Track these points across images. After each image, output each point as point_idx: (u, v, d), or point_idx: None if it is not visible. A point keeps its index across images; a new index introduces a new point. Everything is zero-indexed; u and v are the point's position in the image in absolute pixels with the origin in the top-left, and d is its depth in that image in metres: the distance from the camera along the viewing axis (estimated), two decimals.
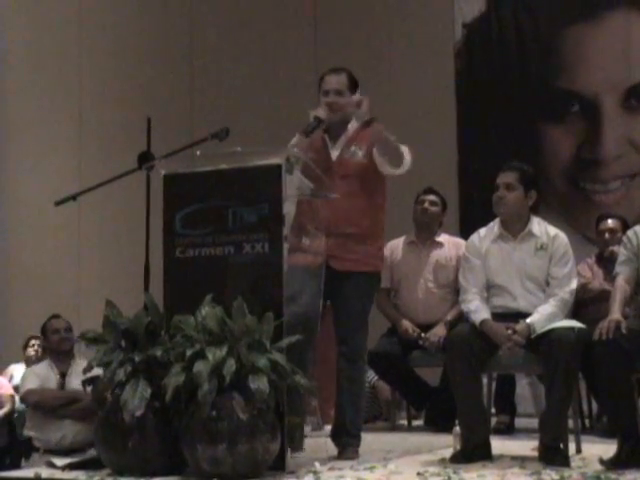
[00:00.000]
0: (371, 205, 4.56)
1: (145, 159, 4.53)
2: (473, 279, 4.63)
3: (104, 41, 6.91)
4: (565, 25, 7.15)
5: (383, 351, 5.79)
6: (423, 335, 5.74)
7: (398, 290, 6.01)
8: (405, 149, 4.54)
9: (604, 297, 5.60)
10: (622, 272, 4.40)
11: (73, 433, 4.98)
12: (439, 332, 5.69)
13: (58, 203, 4.66)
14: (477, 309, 4.53)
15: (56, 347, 5.24)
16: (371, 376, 6.43)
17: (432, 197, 6.02)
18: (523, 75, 7.28)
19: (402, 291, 5.98)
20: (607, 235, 5.82)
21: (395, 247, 6.06)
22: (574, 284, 4.60)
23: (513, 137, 7.15)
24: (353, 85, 4.61)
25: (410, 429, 5.95)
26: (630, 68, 6.93)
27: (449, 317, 5.74)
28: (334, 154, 4.57)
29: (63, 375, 5.08)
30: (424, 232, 6.01)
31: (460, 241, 5.80)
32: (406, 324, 5.81)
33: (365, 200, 4.53)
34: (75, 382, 5.09)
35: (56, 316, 5.29)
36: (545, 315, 4.46)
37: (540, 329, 4.41)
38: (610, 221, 5.87)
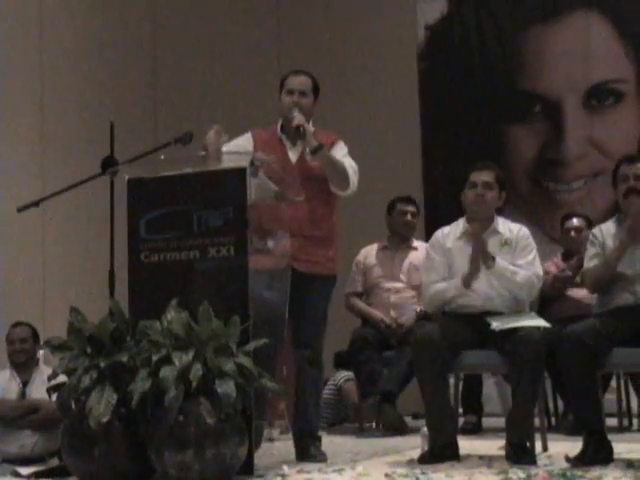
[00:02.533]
0: (329, 208, 4.57)
1: (109, 164, 4.50)
2: (435, 275, 4.63)
3: (66, 45, 6.85)
4: (526, 26, 7.19)
5: (360, 336, 5.85)
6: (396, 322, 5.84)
7: (370, 293, 6.07)
8: (351, 171, 4.51)
9: (559, 281, 5.69)
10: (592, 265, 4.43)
11: (32, 443, 4.91)
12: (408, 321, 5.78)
13: (21, 209, 4.62)
14: (447, 283, 4.54)
15: (9, 358, 5.17)
16: (338, 378, 6.46)
17: (412, 208, 6.13)
18: (486, 76, 7.32)
19: (375, 293, 6.05)
20: (572, 234, 5.90)
21: (368, 253, 6.17)
22: (539, 270, 4.62)
23: (477, 138, 7.18)
24: (316, 90, 4.62)
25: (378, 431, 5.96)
26: (590, 69, 6.98)
27: (418, 308, 5.80)
28: (293, 156, 4.56)
29: (25, 384, 5.02)
30: (400, 239, 6.10)
31: None
32: (380, 315, 5.85)
33: (325, 203, 4.53)
34: (36, 391, 5.03)
35: (18, 324, 5.20)
36: (507, 266, 4.47)
37: (498, 267, 4.43)
38: (575, 220, 5.95)
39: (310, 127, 4.50)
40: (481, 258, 4.47)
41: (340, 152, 4.58)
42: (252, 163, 4.21)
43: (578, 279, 5.64)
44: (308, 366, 4.54)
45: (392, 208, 6.14)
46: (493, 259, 4.46)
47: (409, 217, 6.10)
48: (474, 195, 4.60)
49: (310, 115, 4.59)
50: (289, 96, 4.54)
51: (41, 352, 5.21)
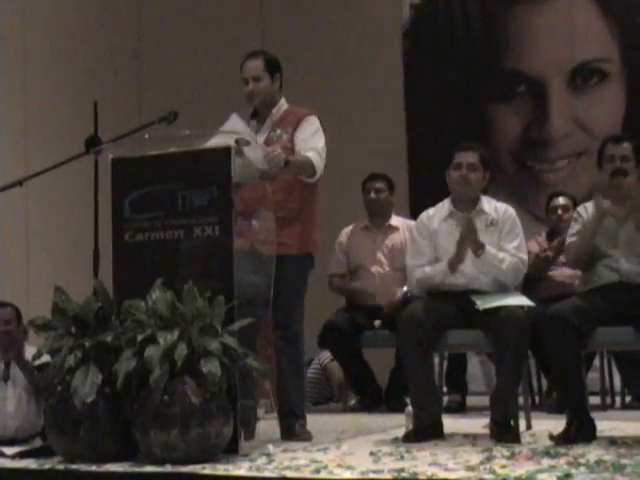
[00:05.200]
0: (298, 188, 4.54)
1: (92, 143, 4.47)
2: (421, 259, 4.63)
3: (48, 24, 6.81)
4: (510, 6, 7.17)
5: (336, 324, 5.84)
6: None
7: (354, 275, 6.05)
8: (317, 158, 4.48)
9: (541, 261, 5.71)
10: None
11: (16, 424, 4.88)
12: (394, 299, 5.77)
13: (4, 189, 4.60)
14: (434, 268, 4.54)
15: None
16: (323, 357, 6.47)
17: (378, 184, 6.07)
18: (470, 56, 7.31)
19: (359, 275, 6.04)
20: (559, 212, 5.92)
21: (349, 233, 6.12)
22: (525, 256, 4.63)
23: (461, 117, 7.17)
24: (272, 67, 4.61)
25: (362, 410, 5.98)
26: (574, 48, 6.98)
27: (404, 288, 5.79)
28: (260, 138, 4.54)
29: (7, 365, 4.98)
30: (377, 218, 6.09)
31: (414, 223, 5.85)
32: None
33: (291, 183, 4.50)
34: (20, 372, 4.98)
35: (1, 305, 5.16)
36: (496, 254, 4.47)
37: (487, 254, 4.43)
38: (561, 199, 5.98)
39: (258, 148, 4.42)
40: (471, 246, 4.46)
41: (309, 129, 4.57)
42: (236, 142, 4.20)
43: (562, 258, 5.66)
44: (285, 345, 4.54)
45: (364, 187, 6.14)
46: (483, 247, 4.46)
47: (373, 194, 6.06)
48: (459, 176, 4.60)
49: (274, 92, 4.61)
50: (245, 86, 4.60)
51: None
